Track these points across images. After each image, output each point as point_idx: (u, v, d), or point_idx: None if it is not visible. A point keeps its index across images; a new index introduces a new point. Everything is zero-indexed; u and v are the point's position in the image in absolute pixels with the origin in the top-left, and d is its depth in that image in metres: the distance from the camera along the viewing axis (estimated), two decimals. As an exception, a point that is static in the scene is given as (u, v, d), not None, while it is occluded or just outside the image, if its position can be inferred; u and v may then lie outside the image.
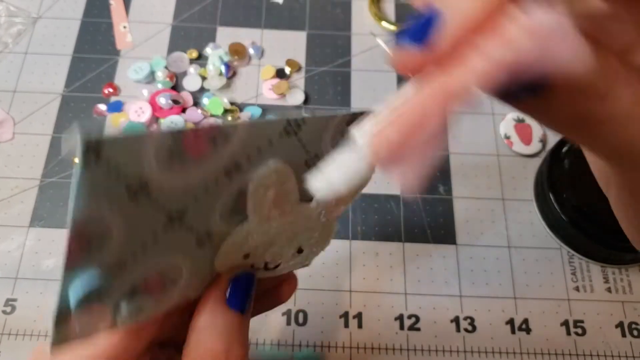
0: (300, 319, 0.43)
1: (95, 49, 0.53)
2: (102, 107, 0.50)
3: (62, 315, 0.23)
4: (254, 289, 0.30)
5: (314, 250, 0.31)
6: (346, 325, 0.43)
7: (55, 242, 0.45)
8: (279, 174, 0.25)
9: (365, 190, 0.48)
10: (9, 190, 0.47)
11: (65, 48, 0.53)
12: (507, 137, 0.49)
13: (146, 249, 0.24)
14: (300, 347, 0.42)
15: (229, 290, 0.29)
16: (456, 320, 0.43)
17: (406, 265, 0.45)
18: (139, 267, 0.24)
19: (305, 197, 0.26)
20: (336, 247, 0.45)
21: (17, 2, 0.55)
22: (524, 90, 0.20)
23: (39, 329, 0.42)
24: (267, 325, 0.42)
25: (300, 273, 0.44)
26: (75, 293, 0.23)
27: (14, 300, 0.43)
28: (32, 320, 0.42)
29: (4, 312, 0.42)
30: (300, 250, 0.30)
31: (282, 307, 0.43)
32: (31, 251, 0.44)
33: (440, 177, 0.48)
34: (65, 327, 0.23)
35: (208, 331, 0.28)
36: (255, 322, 0.42)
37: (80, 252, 0.21)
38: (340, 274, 0.44)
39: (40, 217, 0.46)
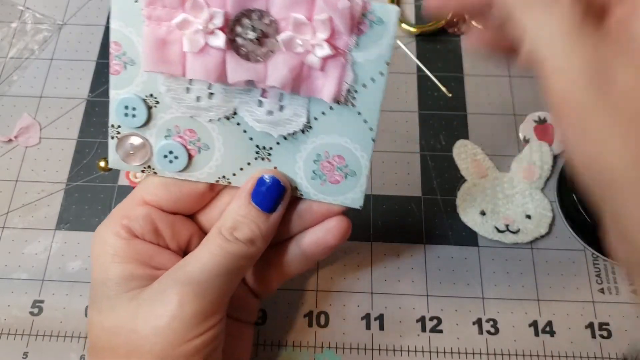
0: (322, 321, 0.43)
1: (118, 54, 0.54)
2: (126, 111, 0.51)
3: (115, 136, 0.32)
4: (284, 195, 0.32)
5: None
6: (368, 327, 0.43)
7: (80, 244, 0.46)
8: None
9: (388, 193, 0.48)
10: (35, 193, 0.48)
11: (89, 54, 0.54)
12: (526, 141, 0.48)
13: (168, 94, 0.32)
14: (322, 349, 0.42)
15: (254, 186, 0.32)
16: (479, 322, 0.43)
17: (427, 267, 0.45)
18: (168, 109, 0.32)
19: None
20: (357, 249, 0.45)
21: (42, 9, 0.56)
22: None
23: (65, 330, 0.42)
24: (289, 327, 0.42)
25: (321, 275, 0.44)
26: (121, 118, 0.32)
27: (41, 302, 0.43)
28: (58, 322, 0.43)
29: (32, 313, 0.43)
30: None
31: (304, 309, 0.43)
32: (57, 254, 0.45)
33: (460, 178, 0.48)
34: (117, 148, 0.32)
35: (226, 212, 0.32)
36: (277, 323, 0.42)
37: (120, 71, 0.30)
38: (361, 276, 0.44)
39: (66, 220, 0.47)
